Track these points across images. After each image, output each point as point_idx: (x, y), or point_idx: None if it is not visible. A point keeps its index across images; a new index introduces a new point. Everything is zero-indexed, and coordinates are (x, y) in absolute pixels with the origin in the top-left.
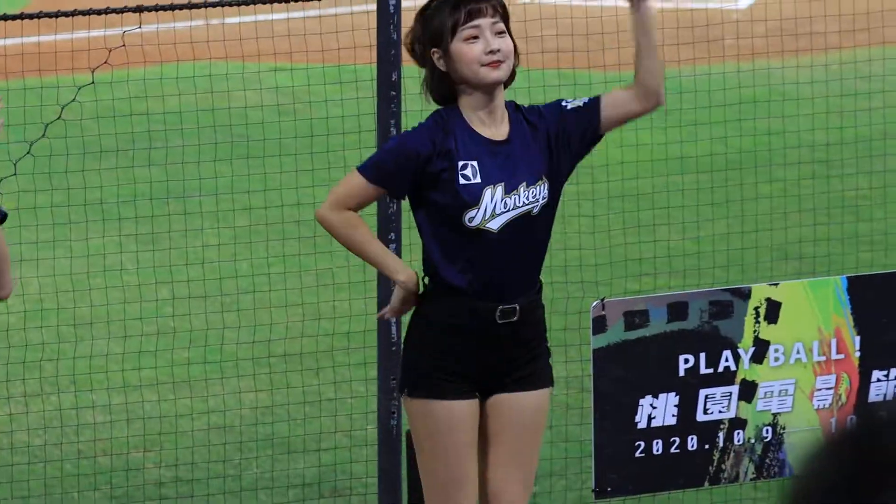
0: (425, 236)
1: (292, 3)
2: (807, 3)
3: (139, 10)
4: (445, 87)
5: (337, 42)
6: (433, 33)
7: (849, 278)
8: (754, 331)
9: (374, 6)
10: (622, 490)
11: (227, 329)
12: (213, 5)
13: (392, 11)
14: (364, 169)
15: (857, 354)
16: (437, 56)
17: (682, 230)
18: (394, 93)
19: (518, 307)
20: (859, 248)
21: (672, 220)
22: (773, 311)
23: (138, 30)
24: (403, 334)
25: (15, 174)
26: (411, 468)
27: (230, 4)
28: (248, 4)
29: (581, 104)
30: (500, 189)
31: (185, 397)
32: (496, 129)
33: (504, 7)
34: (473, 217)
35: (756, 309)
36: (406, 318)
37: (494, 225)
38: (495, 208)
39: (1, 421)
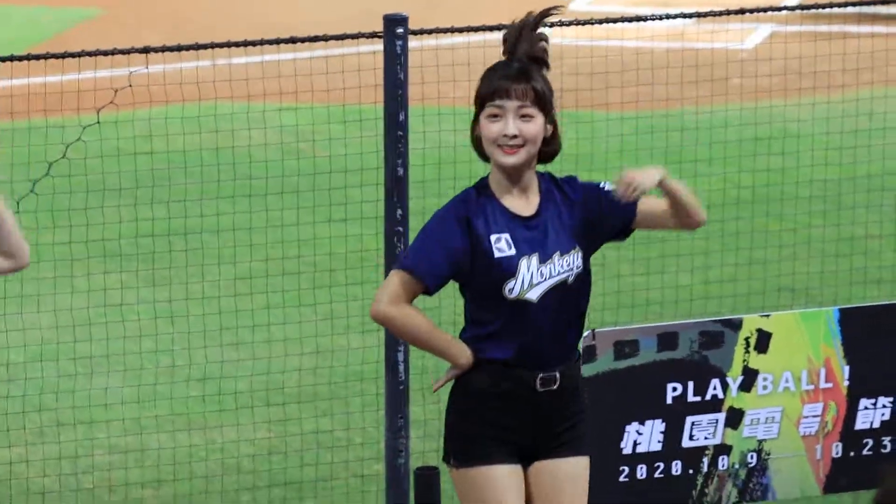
0: (467, 310)
1: (299, 43)
2: (812, 44)
3: (146, 51)
4: (480, 149)
5: (342, 82)
6: (475, 96)
7: (841, 310)
8: (744, 360)
9: (380, 46)
10: None
11: (230, 366)
12: (220, 46)
13: (399, 52)
14: (406, 264)
15: (846, 383)
16: (476, 119)
17: (679, 265)
18: (401, 133)
19: (558, 374)
20: (854, 283)
21: (670, 255)
22: (763, 341)
23: (144, 70)
24: (410, 376)
25: (18, 212)
26: None
27: (236, 45)
28: (254, 45)
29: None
30: (535, 259)
31: (190, 434)
32: (525, 202)
33: (538, 92)
34: (513, 288)
35: (746, 339)
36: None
37: (534, 295)
38: (532, 278)
39: (4, 458)
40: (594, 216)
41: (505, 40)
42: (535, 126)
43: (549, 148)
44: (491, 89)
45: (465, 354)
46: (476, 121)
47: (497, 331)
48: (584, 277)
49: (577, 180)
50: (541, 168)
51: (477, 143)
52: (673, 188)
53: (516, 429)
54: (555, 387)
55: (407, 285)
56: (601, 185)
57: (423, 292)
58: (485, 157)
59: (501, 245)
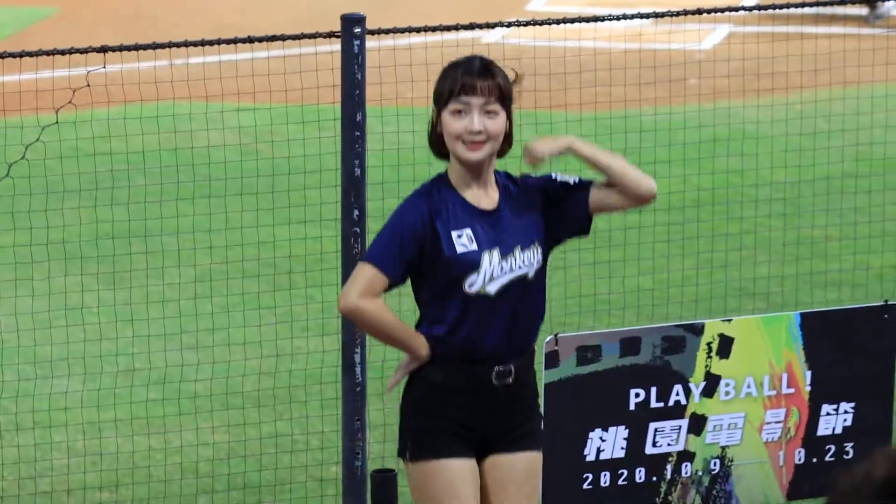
0: (422, 305)
1: (256, 43)
2: (770, 44)
3: (103, 50)
4: (438, 146)
5: (300, 82)
6: (436, 93)
7: (802, 314)
8: (706, 366)
9: (338, 46)
10: None
11: (189, 368)
12: (177, 45)
13: (356, 52)
14: (373, 258)
15: (808, 389)
16: (435, 116)
17: (639, 268)
18: (358, 133)
19: (513, 368)
20: (814, 286)
21: (630, 258)
22: (725, 346)
23: (102, 70)
24: (367, 377)
25: None
26: None
27: (194, 45)
28: (212, 45)
29: (571, 180)
30: (496, 253)
31: (149, 437)
32: (486, 197)
33: (502, 89)
34: (474, 282)
35: (708, 344)
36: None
37: (492, 288)
38: (493, 272)
39: None
40: (550, 207)
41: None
42: (499, 122)
43: (505, 144)
44: (456, 86)
45: (426, 348)
46: (437, 118)
47: (454, 325)
48: (542, 273)
49: (530, 176)
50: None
51: (436, 139)
52: (586, 154)
53: (471, 422)
54: (510, 380)
55: (375, 279)
56: (553, 177)
57: (388, 287)
58: (441, 154)
59: (463, 240)
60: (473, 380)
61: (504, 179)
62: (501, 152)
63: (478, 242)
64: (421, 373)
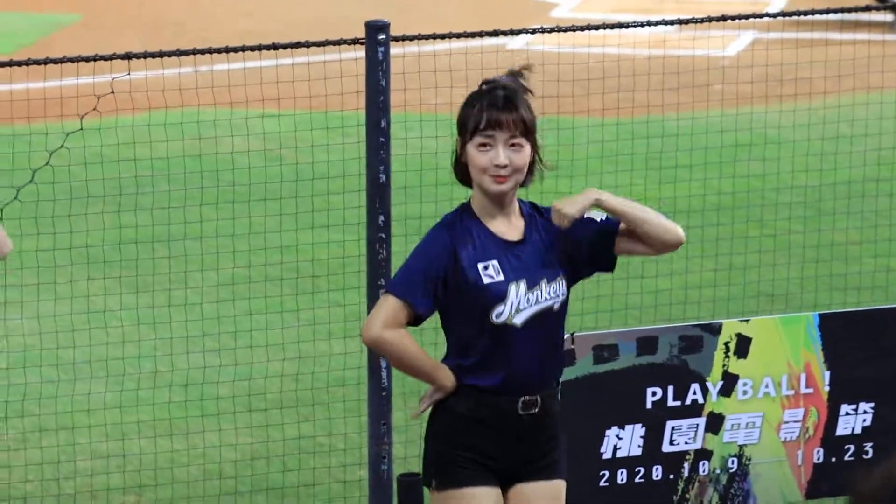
0: (449, 336)
1: (281, 49)
2: (794, 50)
3: (128, 57)
4: (462, 173)
5: (325, 88)
6: (460, 122)
7: (821, 315)
8: (723, 365)
9: (362, 53)
10: None
11: (212, 371)
12: (201, 52)
13: (381, 58)
14: (396, 289)
15: (827, 389)
16: (460, 145)
17: (658, 269)
18: (382, 139)
19: (539, 399)
20: (835, 289)
21: (650, 260)
22: (743, 346)
23: (127, 77)
24: (394, 381)
25: (1, 219)
26: None
27: (218, 51)
28: (236, 52)
29: (598, 218)
30: (523, 285)
31: (172, 439)
32: (510, 227)
33: (526, 122)
34: (501, 313)
35: (726, 344)
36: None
37: (518, 320)
38: (520, 304)
39: None
40: (576, 243)
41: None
42: (524, 155)
43: (530, 174)
44: (480, 120)
45: (451, 379)
46: (462, 147)
47: (480, 356)
48: (566, 305)
49: None
50: (521, 192)
51: (460, 168)
52: (613, 207)
53: (496, 452)
54: (536, 410)
55: (399, 311)
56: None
57: (413, 321)
58: (466, 183)
59: (490, 272)
60: (499, 410)
61: (529, 209)
62: (524, 181)
63: (504, 273)
64: (446, 402)
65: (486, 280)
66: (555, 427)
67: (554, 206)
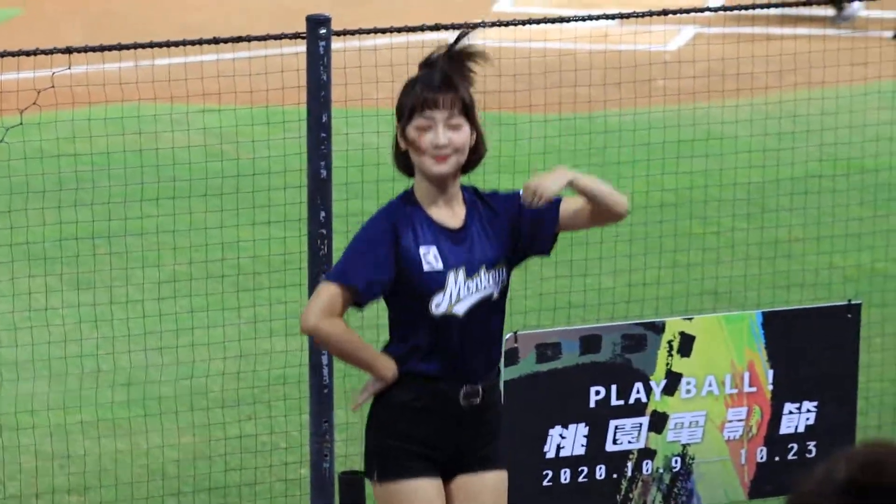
0: (390, 325)
1: (222, 43)
2: (736, 45)
3: (68, 51)
4: (403, 162)
5: (266, 83)
6: (398, 108)
7: (764, 313)
8: (667, 364)
9: (303, 48)
10: None
11: (154, 370)
12: (142, 46)
13: (322, 53)
14: (334, 276)
15: (770, 388)
16: (399, 132)
17: (602, 267)
18: (324, 134)
19: (481, 389)
20: (779, 286)
21: (593, 258)
22: (686, 344)
23: (67, 71)
24: (334, 379)
25: None
26: None
27: (159, 45)
28: (177, 46)
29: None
30: (461, 273)
31: (115, 439)
32: (452, 215)
33: (464, 101)
34: (440, 303)
35: (669, 342)
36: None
37: (460, 310)
38: (459, 292)
39: None
40: (517, 226)
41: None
42: (464, 135)
43: (474, 155)
44: (419, 101)
45: (391, 368)
46: (401, 133)
47: (422, 345)
48: (506, 292)
49: (498, 193)
50: (464, 179)
51: (400, 155)
52: (585, 186)
53: (438, 443)
54: (477, 401)
55: (337, 298)
56: (521, 192)
57: (354, 305)
58: (406, 171)
59: (430, 258)
60: (441, 400)
61: (471, 195)
62: (474, 163)
63: (444, 261)
64: (387, 393)
65: (425, 267)
66: (496, 416)
67: (528, 186)
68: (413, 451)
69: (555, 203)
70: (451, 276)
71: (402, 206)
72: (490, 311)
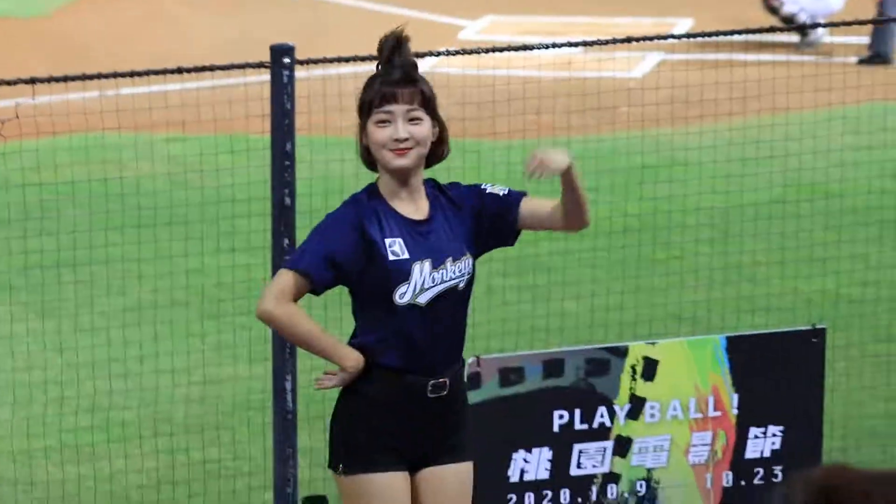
0: (355, 316)
1: (186, 73)
2: (700, 72)
3: (32, 81)
4: (367, 157)
5: (230, 112)
6: (359, 104)
7: (728, 338)
8: (630, 388)
9: (268, 76)
10: None
11: (118, 396)
12: (106, 76)
13: (286, 82)
14: (291, 264)
15: (735, 412)
16: (361, 128)
17: (565, 292)
18: (287, 162)
19: (448, 381)
20: (743, 311)
21: (556, 283)
22: (650, 368)
23: (31, 101)
24: (299, 406)
25: None
26: None
27: (123, 76)
28: (141, 76)
29: (500, 192)
30: (427, 264)
31: (79, 465)
32: (416, 208)
33: (425, 94)
34: (405, 293)
35: (633, 367)
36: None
37: (423, 299)
38: (424, 283)
39: None
40: (479, 219)
41: (380, 50)
42: (424, 128)
43: (438, 150)
44: (378, 95)
45: (351, 357)
46: (363, 129)
47: (387, 336)
48: (471, 283)
49: (460, 185)
50: (429, 173)
51: (364, 152)
52: (576, 178)
53: (404, 435)
54: (445, 392)
55: (293, 284)
56: (483, 187)
57: (310, 291)
58: (371, 167)
59: (395, 249)
60: (407, 392)
61: (433, 189)
62: (438, 158)
63: (409, 253)
64: (354, 385)
65: (390, 257)
66: (462, 408)
67: (535, 155)
68: (380, 444)
69: (517, 197)
70: (416, 267)
71: (367, 199)
72: (456, 303)
